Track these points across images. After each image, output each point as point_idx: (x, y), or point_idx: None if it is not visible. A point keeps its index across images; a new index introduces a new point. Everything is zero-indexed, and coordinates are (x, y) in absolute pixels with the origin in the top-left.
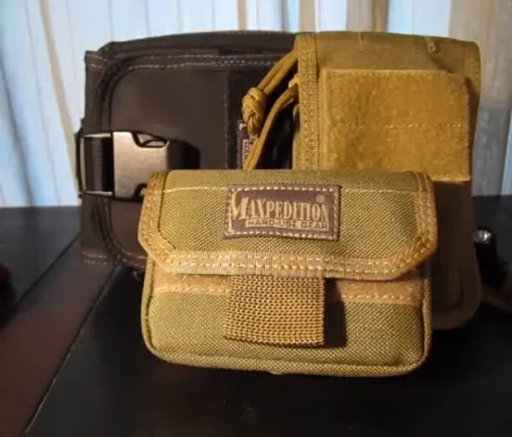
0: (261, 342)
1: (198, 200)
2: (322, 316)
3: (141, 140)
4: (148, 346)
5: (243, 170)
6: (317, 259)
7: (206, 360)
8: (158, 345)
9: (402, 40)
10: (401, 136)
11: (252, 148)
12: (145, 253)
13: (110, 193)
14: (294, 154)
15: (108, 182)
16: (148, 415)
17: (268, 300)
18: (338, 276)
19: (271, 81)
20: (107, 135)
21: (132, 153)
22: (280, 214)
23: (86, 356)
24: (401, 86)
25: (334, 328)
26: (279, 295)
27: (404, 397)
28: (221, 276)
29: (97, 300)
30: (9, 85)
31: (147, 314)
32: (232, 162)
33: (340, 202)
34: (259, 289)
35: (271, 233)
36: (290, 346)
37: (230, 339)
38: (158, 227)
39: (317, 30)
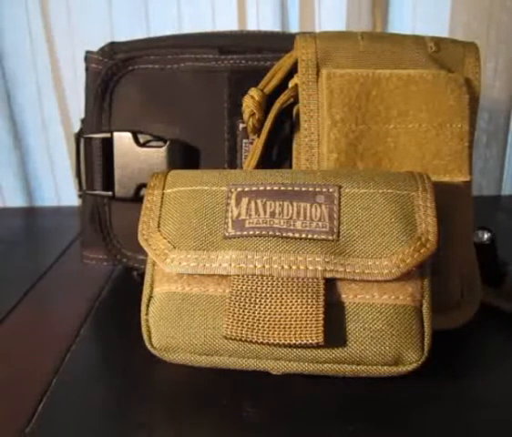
0: (261, 342)
1: (198, 200)
2: (322, 316)
3: (141, 140)
4: (148, 346)
5: (243, 170)
6: (317, 259)
7: (206, 360)
8: (158, 345)
9: (402, 40)
10: (401, 136)
11: (252, 148)
12: (145, 253)
13: (110, 193)
14: (294, 154)
15: (108, 182)
16: (148, 415)
17: (268, 300)
18: (338, 276)
19: (271, 81)
20: (107, 135)
21: (132, 153)
22: (280, 214)
23: (86, 356)
24: (401, 86)
25: (334, 328)
26: (279, 295)
27: (404, 397)
28: (221, 276)
29: (97, 300)
30: (9, 85)
31: (147, 314)
32: (232, 162)
33: (340, 202)
34: (259, 289)
35: (271, 233)
36: (290, 346)
37: (230, 339)
38: (158, 227)
39: (317, 30)
